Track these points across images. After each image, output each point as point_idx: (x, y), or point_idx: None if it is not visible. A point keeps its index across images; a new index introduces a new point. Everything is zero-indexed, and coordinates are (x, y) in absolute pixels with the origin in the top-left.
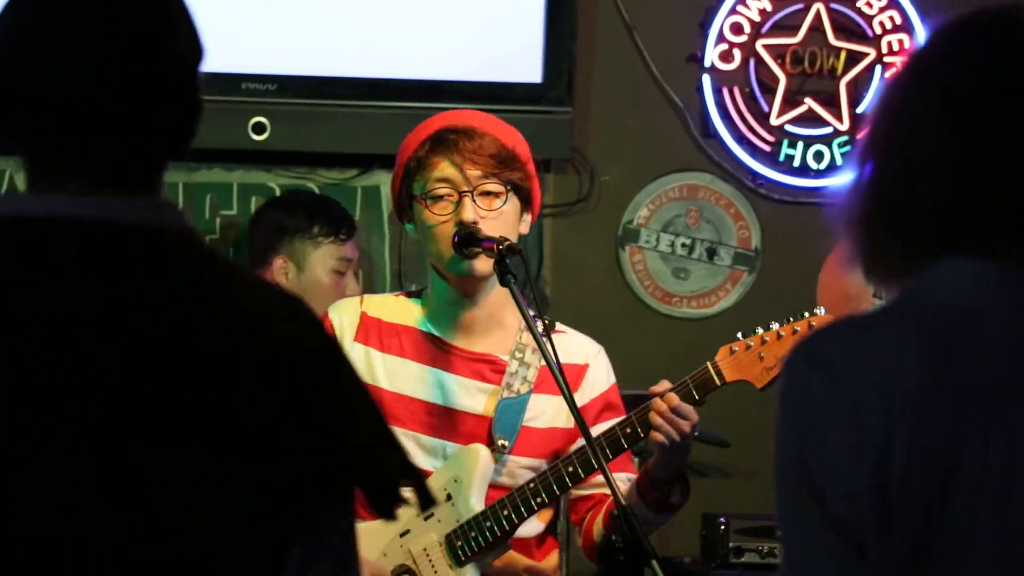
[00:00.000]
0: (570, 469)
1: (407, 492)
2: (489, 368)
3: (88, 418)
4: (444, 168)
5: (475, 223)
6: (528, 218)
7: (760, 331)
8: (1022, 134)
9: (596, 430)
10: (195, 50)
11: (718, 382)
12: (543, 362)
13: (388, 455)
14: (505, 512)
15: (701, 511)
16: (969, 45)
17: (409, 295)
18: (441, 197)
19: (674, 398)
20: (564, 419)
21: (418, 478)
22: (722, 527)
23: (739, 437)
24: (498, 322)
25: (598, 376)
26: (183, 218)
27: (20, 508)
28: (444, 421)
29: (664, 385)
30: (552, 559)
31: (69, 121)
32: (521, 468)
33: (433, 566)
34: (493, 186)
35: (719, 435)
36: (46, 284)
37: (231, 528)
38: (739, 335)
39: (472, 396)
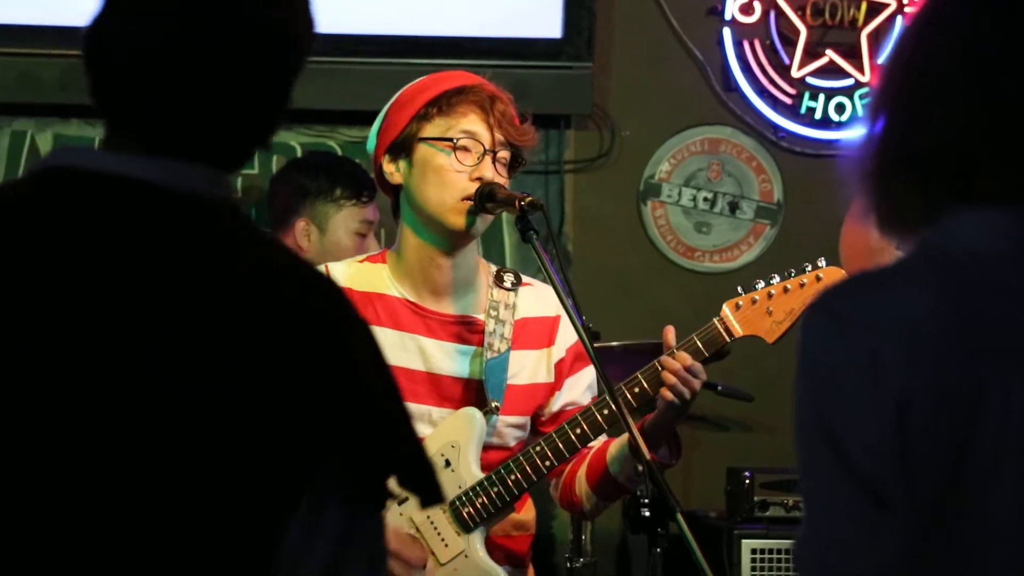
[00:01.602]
0: (578, 431)
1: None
2: (467, 329)
3: (105, 375)
4: (474, 121)
5: (496, 183)
6: None
7: (763, 285)
8: None
9: (572, 380)
10: (296, 58)
11: (727, 338)
12: (516, 317)
13: (404, 444)
14: (513, 477)
15: (726, 465)
16: None
17: (372, 259)
18: (466, 148)
19: (687, 358)
20: (544, 373)
21: (429, 470)
22: (747, 481)
23: (762, 391)
24: (470, 282)
25: (568, 327)
26: (229, 192)
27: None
28: (428, 387)
29: (670, 333)
30: (530, 511)
31: (149, 91)
32: (508, 427)
33: (439, 533)
34: (508, 155)
35: (743, 390)
36: (70, 238)
37: (258, 493)
38: (740, 289)
39: (454, 359)
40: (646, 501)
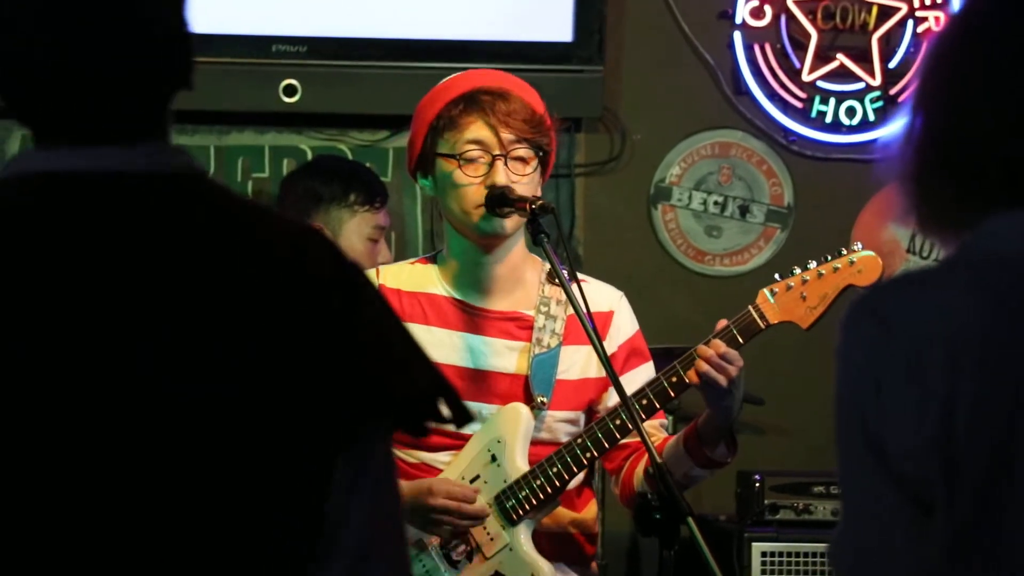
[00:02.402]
0: (617, 422)
1: (441, 409)
2: (516, 325)
3: (125, 360)
4: (477, 129)
5: (507, 187)
6: (541, 182)
7: (798, 271)
8: None
9: (627, 378)
10: None
11: (762, 325)
12: (569, 313)
13: (420, 371)
14: (555, 469)
15: (736, 469)
16: None
17: (425, 260)
18: (474, 159)
19: (720, 344)
20: (595, 369)
21: (452, 393)
22: (757, 484)
23: (773, 395)
24: (518, 279)
25: (623, 323)
26: (191, 160)
27: (71, 454)
28: (477, 384)
29: (722, 324)
30: (591, 510)
31: (55, 81)
32: (559, 422)
33: (485, 528)
34: (524, 151)
35: (753, 393)
36: (65, 239)
37: (273, 459)
38: (777, 276)
39: (502, 356)
40: (657, 504)
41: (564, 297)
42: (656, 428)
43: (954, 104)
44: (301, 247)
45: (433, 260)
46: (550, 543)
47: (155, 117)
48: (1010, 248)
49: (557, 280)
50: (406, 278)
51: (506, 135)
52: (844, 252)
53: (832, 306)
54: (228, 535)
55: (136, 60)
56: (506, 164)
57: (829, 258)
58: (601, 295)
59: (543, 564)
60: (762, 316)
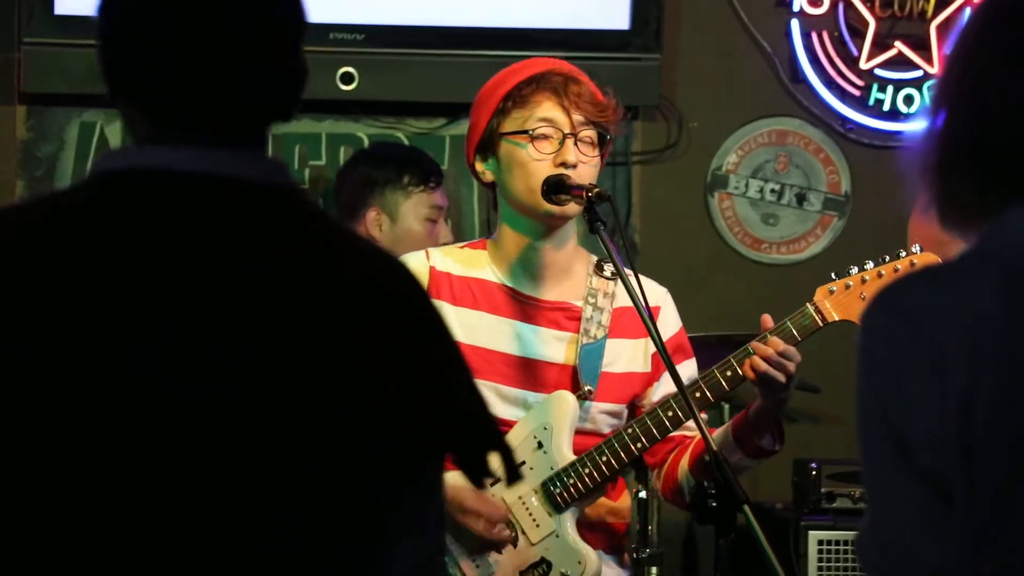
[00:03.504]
0: (669, 414)
1: (495, 462)
2: (564, 316)
3: (128, 360)
4: (549, 108)
5: (575, 166)
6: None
7: (857, 270)
8: None
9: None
10: (298, 18)
11: (820, 323)
12: (615, 306)
13: (482, 423)
14: (604, 458)
15: (792, 457)
16: None
17: (475, 245)
18: (546, 136)
19: (779, 342)
20: (641, 363)
21: (508, 450)
22: (813, 473)
23: (829, 383)
24: (568, 269)
25: (668, 319)
26: (292, 175)
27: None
28: (524, 372)
29: (768, 319)
30: (625, 499)
31: (180, 81)
32: (602, 414)
33: (531, 513)
34: (592, 133)
35: (809, 381)
36: (168, 236)
37: (344, 484)
38: (833, 275)
39: (550, 345)
40: (713, 492)
41: (610, 290)
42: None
43: (975, 98)
44: (372, 271)
45: (482, 246)
46: (586, 530)
47: (259, 133)
48: None
49: (605, 272)
50: (456, 262)
51: (576, 116)
52: (903, 254)
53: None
54: (227, 534)
55: (263, 80)
56: (576, 144)
57: (888, 259)
58: (647, 290)
59: (590, 552)
60: (820, 314)
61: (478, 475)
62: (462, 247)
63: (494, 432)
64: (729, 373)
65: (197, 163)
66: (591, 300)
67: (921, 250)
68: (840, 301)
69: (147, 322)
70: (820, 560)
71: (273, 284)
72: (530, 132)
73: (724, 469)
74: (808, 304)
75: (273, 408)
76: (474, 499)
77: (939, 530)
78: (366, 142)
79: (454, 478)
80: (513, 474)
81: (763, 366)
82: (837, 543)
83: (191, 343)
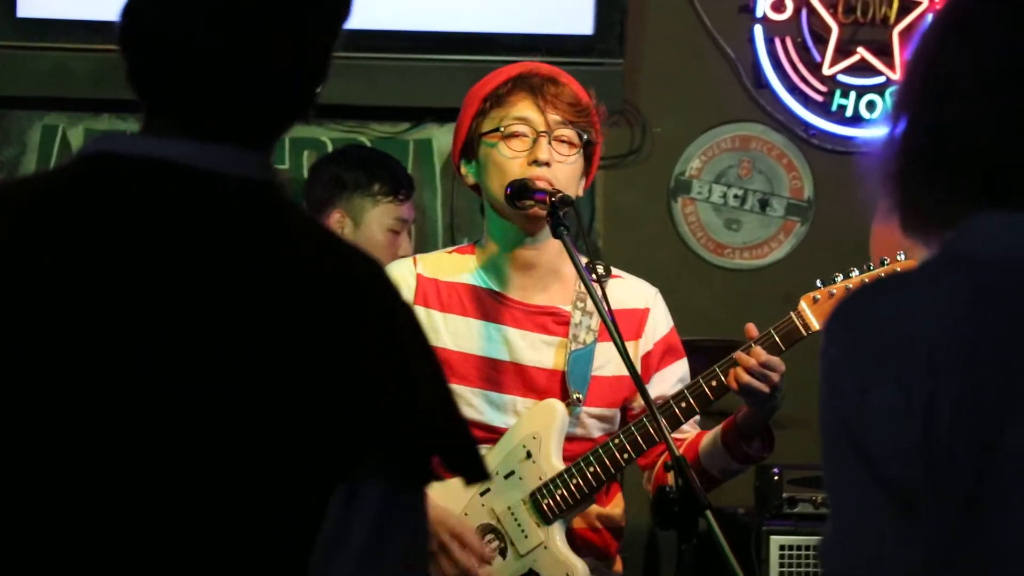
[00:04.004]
0: (654, 425)
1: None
2: (552, 320)
3: (126, 360)
4: (525, 107)
5: (548, 164)
6: (583, 182)
7: (842, 278)
8: None
9: (662, 375)
10: (326, 22)
11: (804, 332)
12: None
13: (441, 420)
14: (592, 469)
15: None
16: None
17: (462, 249)
18: (518, 133)
19: (761, 353)
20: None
21: (473, 449)
22: (775, 478)
23: (792, 388)
24: (555, 272)
25: (658, 320)
26: (279, 177)
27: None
28: (513, 377)
29: (752, 328)
30: (619, 505)
31: (180, 78)
32: (593, 418)
33: (519, 524)
34: (569, 133)
35: None
36: (78, 232)
37: (271, 462)
38: (818, 283)
39: (538, 350)
40: (675, 497)
41: (601, 293)
42: (691, 424)
43: (936, 105)
44: (347, 271)
45: (470, 250)
46: (578, 537)
47: (267, 133)
48: (991, 248)
49: (600, 274)
50: (443, 267)
51: (552, 116)
52: (887, 261)
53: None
54: (224, 533)
55: (265, 80)
56: (550, 143)
57: (872, 267)
58: (637, 292)
59: (578, 563)
60: (804, 323)
61: (463, 472)
62: (450, 252)
63: (452, 433)
64: (715, 383)
65: (189, 156)
66: (580, 305)
67: (906, 258)
68: (824, 310)
69: (148, 321)
70: (782, 565)
71: (271, 284)
72: (501, 129)
73: (688, 473)
74: (792, 313)
75: (273, 408)
76: (460, 525)
77: (903, 538)
78: (329, 146)
79: (441, 502)
80: (477, 472)
81: (746, 377)
82: (799, 548)
83: (192, 343)
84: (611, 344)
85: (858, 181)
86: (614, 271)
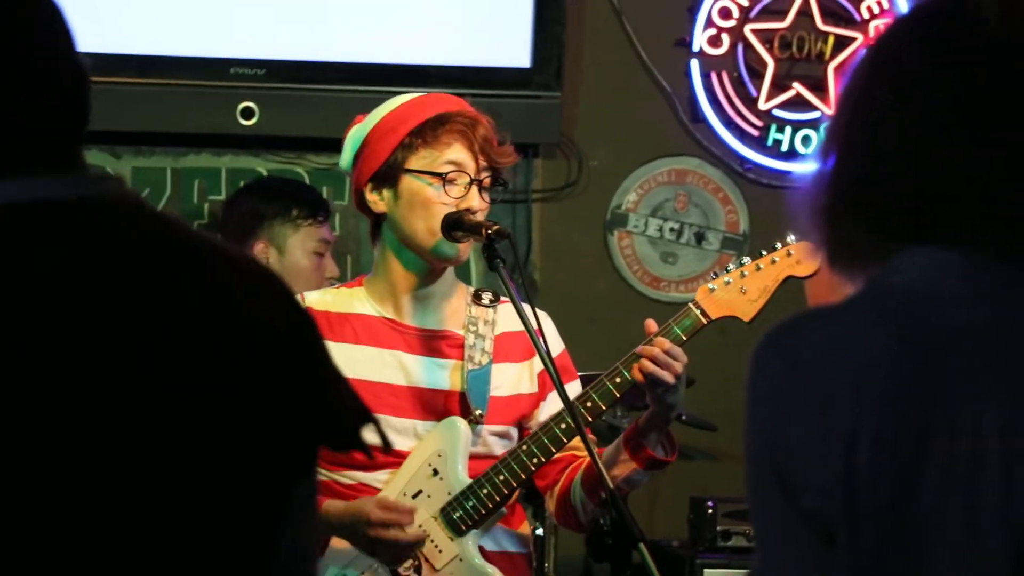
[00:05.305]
0: (563, 426)
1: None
2: (446, 344)
3: (67, 395)
4: (458, 150)
5: (476, 213)
6: None
7: (735, 266)
8: (983, 119)
9: (555, 395)
10: (65, 24)
11: (704, 321)
12: (497, 332)
13: (348, 400)
14: (501, 477)
15: (688, 495)
16: (926, 31)
17: (348, 285)
18: (455, 181)
19: (664, 342)
20: (527, 384)
21: (377, 423)
22: (709, 511)
23: (726, 421)
24: (447, 298)
25: (551, 340)
26: (127, 188)
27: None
28: (411, 401)
29: (652, 324)
30: (526, 526)
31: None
32: (493, 436)
33: (432, 540)
34: (490, 177)
35: (706, 419)
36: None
37: (216, 505)
38: (713, 274)
39: (433, 373)
40: (608, 529)
41: (490, 318)
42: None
43: (866, 141)
44: (247, 279)
45: (359, 283)
46: (490, 558)
47: (74, 152)
48: (918, 284)
49: (483, 301)
50: (331, 301)
51: (481, 161)
52: (779, 245)
53: (772, 299)
54: (226, 533)
55: (57, 95)
56: (481, 190)
57: (765, 252)
58: (527, 313)
59: (494, 572)
60: (703, 312)
61: (347, 447)
62: (336, 288)
63: (357, 410)
64: (618, 379)
65: (24, 192)
66: (472, 328)
67: (796, 239)
68: (721, 297)
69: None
70: None
71: (128, 303)
72: (443, 175)
73: (620, 506)
74: (690, 303)
75: (265, 410)
76: (378, 509)
77: (824, 571)
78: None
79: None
80: (386, 446)
81: (651, 367)
82: None
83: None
84: (506, 365)
85: (790, 215)
86: (502, 297)
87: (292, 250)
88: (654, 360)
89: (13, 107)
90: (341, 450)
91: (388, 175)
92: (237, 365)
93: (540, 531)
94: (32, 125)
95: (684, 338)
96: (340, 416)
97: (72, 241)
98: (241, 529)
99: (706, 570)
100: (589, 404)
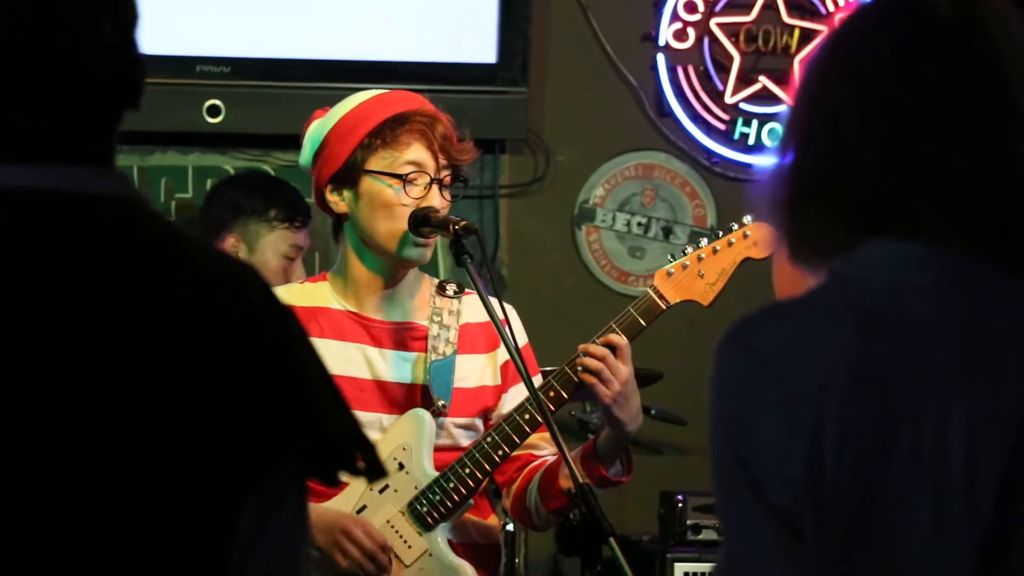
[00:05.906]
0: (526, 417)
1: (358, 463)
2: (409, 336)
3: (39, 390)
4: (418, 150)
5: (430, 208)
6: None
7: (692, 249)
8: (940, 111)
9: (519, 388)
10: (125, 9)
11: (663, 306)
12: (461, 322)
13: (338, 420)
14: (467, 470)
15: (658, 489)
16: (884, 23)
17: (312, 280)
18: (415, 182)
19: (606, 341)
20: (491, 376)
21: (370, 449)
22: (679, 505)
23: (695, 415)
24: (411, 293)
25: (516, 332)
26: (132, 187)
27: None
28: (375, 395)
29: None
30: (493, 518)
31: (7, 94)
32: (458, 428)
33: (401, 536)
34: (451, 176)
35: (675, 413)
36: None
37: (186, 494)
38: (670, 257)
39: (398, 366)
40: (578, 524)
41: (455, 308)
42: (548, 442)
43: (823, 133)
44: (238, 279)
45: (323, 278)
46: (458, 551)
47: (99, 143)
48: (879, 276)
49: (448, 292)
50: (296, 296)
51: (441, 159)
52: (736, 227)
53: (730, 282)
54: (227, 532)
55: (83, 79)
56: (441, 188)
57: (721, 234)
58: (493, 305)
59: (465, 566)
60: (662, 296)
61: (330, 475)
62: (302, 283)
63: (351, 432)
64: (580, 367)
65: (24, 179)
66: (436, 319)
67: (752, 220)
68: (678, 282)
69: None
70: None
71: (108, 299)
72: (403, 177)
73: (590, 502)
74: (648, 288)
75: (264, 410)
76: (361, 533)
77: (791, 565)
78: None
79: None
80: (376, 470)
81: (596, 364)
82: (703, 575)
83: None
84: (471, 356)
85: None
86: (467, 289)
87: (263, 250)
88: (600, 359)
89: (39, 94)
90: (321, 477)
91: (348, 176)
92: (237, 365)
93: (510, 527)
94: (52, 115)
95: (643, 323)
96: (329, 436)
97: (73, 239)
98: (220, 519)
99: (676, 564)
100: (552, 394)
